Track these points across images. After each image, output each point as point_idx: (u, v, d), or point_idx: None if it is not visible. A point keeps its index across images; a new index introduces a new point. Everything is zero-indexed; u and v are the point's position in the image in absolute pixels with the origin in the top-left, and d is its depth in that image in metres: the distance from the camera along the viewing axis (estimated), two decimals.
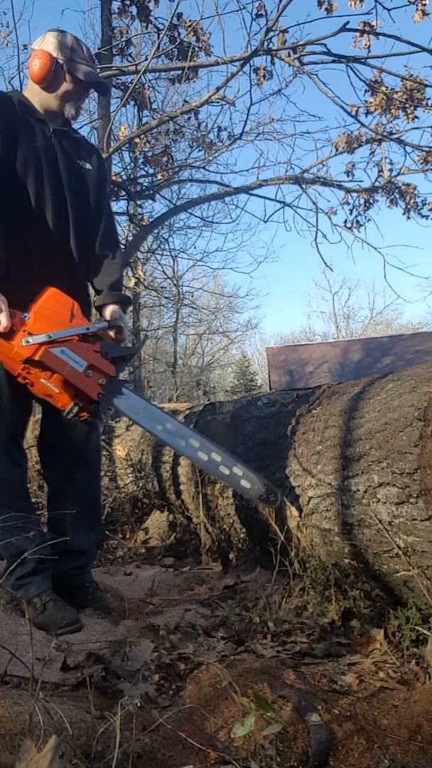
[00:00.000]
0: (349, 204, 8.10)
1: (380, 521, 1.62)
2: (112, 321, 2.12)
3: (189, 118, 7.51)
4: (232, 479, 2.03)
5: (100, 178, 2.20)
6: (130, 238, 9.16)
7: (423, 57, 5.60)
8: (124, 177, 8.21)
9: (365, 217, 8.12)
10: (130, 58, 6.80)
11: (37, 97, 2.05)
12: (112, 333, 2.10)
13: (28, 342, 1.81)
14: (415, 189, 7.72)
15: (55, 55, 2.01)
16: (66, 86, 2.04)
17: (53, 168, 2.04)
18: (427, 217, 7.82)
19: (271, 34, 5.44)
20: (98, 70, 2.18)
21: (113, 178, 7.03)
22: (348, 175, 7.85)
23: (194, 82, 7.27)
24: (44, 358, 1.82)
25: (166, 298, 16.49)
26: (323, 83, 5.89)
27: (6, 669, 1.44)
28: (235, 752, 1.20)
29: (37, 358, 1.82)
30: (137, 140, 7.02)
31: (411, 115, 6.57)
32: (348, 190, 7.99)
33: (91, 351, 1.92)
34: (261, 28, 5.45)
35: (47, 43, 2.03)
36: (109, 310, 2.17)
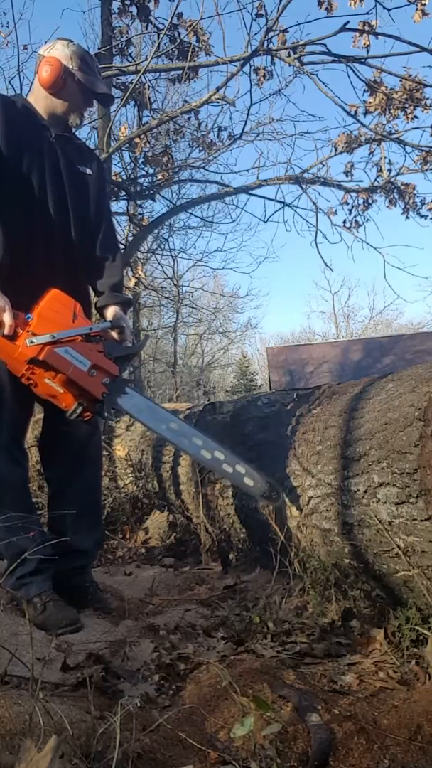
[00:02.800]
0: (348, 204, 8.10)
1: (380, 521, 1.62)
2: (114, 321, 2.14)
3: (189, 118, 7.50)
4: (235, 477, 2.05)
5: (100, 182, 2.23)
6: (130, 238, 9.16)
7: (423, 57, 5.59)
8: (124, 177, 8.20)
9: (364, 217, 8.12)
10: (130, 58, 6.80)
11: (42, 101, 2.07)
12: (114, 333, 2.12)
13: (32, 342, 1.82)
14: (414, 189, 7.71)
15: (65, 63, 2.04)
16: (74, 95, 2.07)
17: (56, 172, 2.06)
18: (426, 216, 7.81)
19: (271, 34, 5.43)
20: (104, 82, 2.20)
21: (113, 178, 7.02)
22: (347, 175, 7.85)
23: (194, 82, 7.26)
24: (49, 358, 1.83)
25: (166, 298, 16.49)
26: (323, 83, 5.89)
27: (6, 669, 1.44)
28: (235, 752, 1.20)
29: (41, 358, 1.83)
30: (137, 140, 7.01)
31: (410, 115, 6.57)
32: (348, 190, 7.98)
33: (95, 351, 1.93)
34: (261, 28, 5.45)
35: (57, 51, 2.05)
36: (111, 311, 2.19)
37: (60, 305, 1.91)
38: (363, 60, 5.79)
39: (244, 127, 7.15)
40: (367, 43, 5.70)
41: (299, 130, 9.96)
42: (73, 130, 2.20)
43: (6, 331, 1.82)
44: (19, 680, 1.45)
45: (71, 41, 2.10)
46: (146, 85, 6.67)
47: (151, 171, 7.93)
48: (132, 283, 8.17)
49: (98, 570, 2.72)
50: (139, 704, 1.38)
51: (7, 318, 1.81)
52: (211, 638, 1.82)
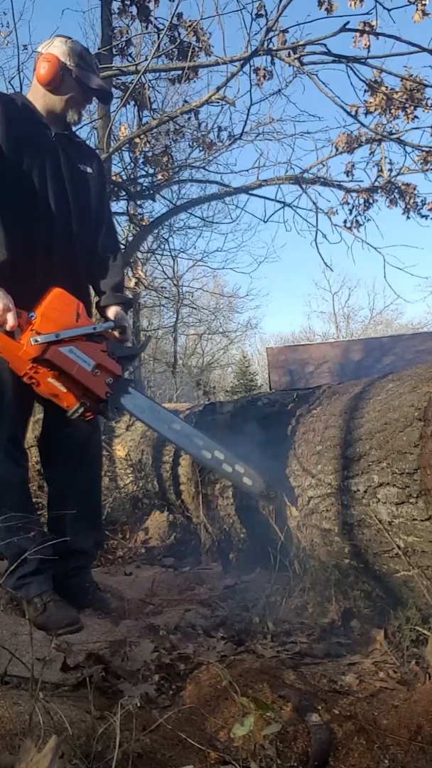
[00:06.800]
0: (348, 204, 8.08)
1: (380, 521, 1.62)
2: (117, 321, 2.14)
3: (189, 118, 7.49)
4: (234, 476, 2.06)
5: (100, 181, 2.23)
6: (130, 238, 9.16)
7: (423, 57, 5.58)
8: (124, 177, 8.19)
9: (365, 217, 8.10)
10: (130, 58, 6.80)
11: (41, 99, 2.07)
12: (116, 333, 2.12)
13: (36, 341, 1.82)
14: (414, 189, 7.70)
15: (63, 60, 2.03)
16: (73, 92, 2.07)
17: (56, 171, 2.06)
18: (426, 217, 7.79)
19: (271, 34, 5.42)
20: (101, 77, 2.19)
21: (113, 178, 7.02)
22: (348, 175, 7.83)
23: (194, 82, 7.24)
24: (53, 357, 1.84)
25: (166, 298, 16.50)
26: (323, 83, 5.87)
27: (6, 669, 1.44)
28: (235, 752, 1.20)
29: (46, 357, 1.83)
30: (137, 140, 7.01)
31: (411, 115, 6.56)
32: (348, 190, 7.97)
33: (98, 350, 1.94)
34: (261, 28, 5.43)
35: (55, 48, 2.05)
36: (113, 311, 2.19)
37: (63, 304, 1.92)
38: (363, 60, 5.78)
39: (244, 127, 7.14)
40: (368, 43, 5.69)
41: (299, 130, 9.94)
42: (73, 128, 2.19)
43: (8, 328, 1.82)
44: (19, 680, 1.45)
45: (69, 38, 2.09)
46: (146, 85, 6.67)
47: (151, 171, 7.93)
48: (132, 283, 8.17)
49: (98, 570, 2.72)
50: (139, 704, 1.38)
51: (11, 317, 1.81)
52: (211, 638, 1.82)
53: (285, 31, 5.67)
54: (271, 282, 55.84)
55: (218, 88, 6.00)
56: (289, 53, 5.76)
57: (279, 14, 5.21)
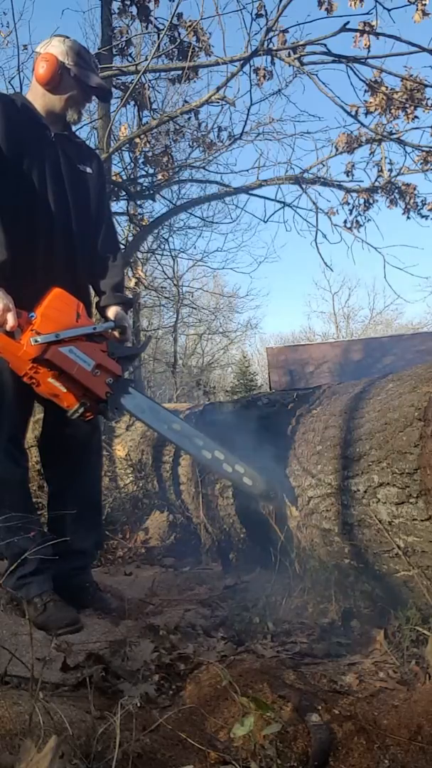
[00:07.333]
0: (348, 204, 8.08)
1: (380, 521, 1.62)
2: (117, 321, 2.14)
3: (189, 118, 7.48)
4: (234, 477, 2.07)
5: (100, 181, 2.23)
6: (130, 238, 9.16)
7: (423, 57, 5.57)
8: (124, 177, 8.18)
9: (365, 217, 8.09)
10: (130, 58, 6.79)
11: (40, 99, 2.07)
12: (116, 333, 2.12)
13: (36, 341, 1.82)
14: (414, 189, 7.70)
15: (61, 59, 2.03)
16: (72, 91, 2.06)
17: (56, 171, 2.06)
18: (426, 217, 7.79)
19: (271, 34, 5.42)
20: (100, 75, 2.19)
21: (113, 178, 7.02)
22: (348, 175, 7.83)
23: (194, 82, 7.22)
24: (53, 357, 1.84)
25: (166, 298, 16.48)
26: (323, 83, 5.87)
27: (6, 669, 1.44)
28: (235, 752, 1.20)
29: (46, 357, 1.83)
30: (137, 140, 7.00)
31: (411, 115, 6.55)
32: (348, 190, 7.97)
33: (98, 350, 1.94)
34: (261, 28, 5.42)
35: (53, 47, 2.05)
36: (113, 311, 2.19)
37: (63, 304, 1.92)
38: (363, 60, 5.78)
39: (244, 127, 7.13)
40: (368, 43, 5.69)
41: (299, 130, 9.92)
42: (73, 128, 2.19)
43: (8, 328, 1.82)
44: (19, 680, 1.45)
45: (67, 37, 2.09)
46: (146, 85, 6.66)
47: (151, 171, 7.92)
48: (132, 283, 8.16)
49: (98, 570, 2.72)
50: (139, 704, 1.38)
51: (11, 317, 1.81)
52: (211, 638, 1.82)
53: (285, 31, 5.66)
54: (271, 282, 55.88)
55: (218, 88, 5.99)
56: (289, 53, 5.75)
57: (279, 14, 5.21)
